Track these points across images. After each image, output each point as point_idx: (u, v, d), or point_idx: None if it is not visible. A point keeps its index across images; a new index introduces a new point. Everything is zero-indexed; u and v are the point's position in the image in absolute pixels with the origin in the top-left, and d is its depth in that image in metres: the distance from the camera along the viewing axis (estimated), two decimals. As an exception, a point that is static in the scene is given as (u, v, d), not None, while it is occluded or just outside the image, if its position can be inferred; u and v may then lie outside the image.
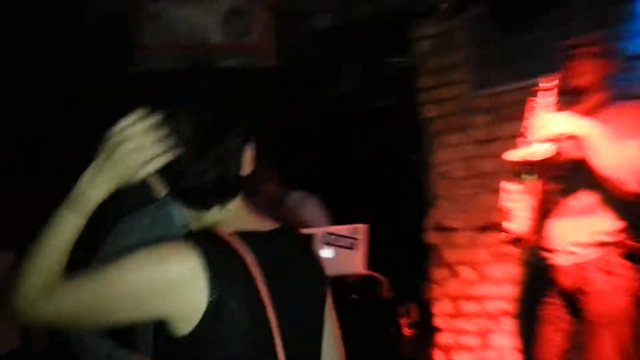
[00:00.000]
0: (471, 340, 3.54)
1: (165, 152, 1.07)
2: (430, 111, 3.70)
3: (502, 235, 2.42)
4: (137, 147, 1.06)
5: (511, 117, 3.26)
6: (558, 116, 2.23)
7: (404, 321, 3.84)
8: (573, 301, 2.35)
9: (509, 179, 2.36)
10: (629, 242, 2.28)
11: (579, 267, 2.31)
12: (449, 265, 3.62)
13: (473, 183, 3.53)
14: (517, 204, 2.33)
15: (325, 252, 2.82)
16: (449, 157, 3.64)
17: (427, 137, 3.73)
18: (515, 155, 2.27)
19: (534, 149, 2.22)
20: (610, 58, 2.39)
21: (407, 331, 3.83)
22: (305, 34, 3.66)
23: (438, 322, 3.64)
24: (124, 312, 1.05)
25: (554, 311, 2.41)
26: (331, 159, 4.56)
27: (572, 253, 2.33)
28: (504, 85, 3.38)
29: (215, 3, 3.25)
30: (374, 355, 3.24)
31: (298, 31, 3.61)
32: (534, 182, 2.31)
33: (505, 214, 2.37)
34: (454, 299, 3.60)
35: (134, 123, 1.07)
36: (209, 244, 1.05)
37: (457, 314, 3.58)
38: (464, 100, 3.57)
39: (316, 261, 1.24)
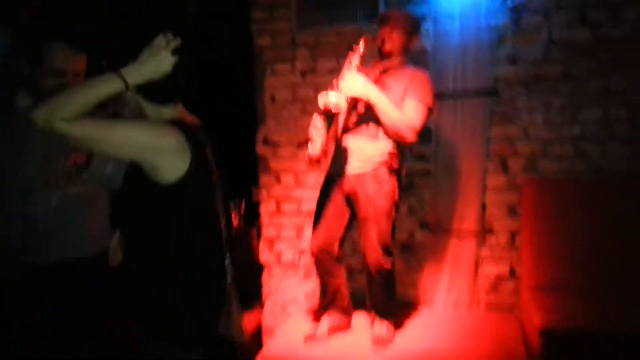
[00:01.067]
0: (289, 233, 4.10)
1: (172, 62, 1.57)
2: (263, 41, 3.98)
3: (305, 156, 2.92)
4: (169, 54, 1.55)
5: (328, 54, 3.81)
6: (359, 79, 2.77)
7: (234, 213, 4.40)
8: (352, 202, 3.00)
9: (318, 114, 2.83)
10: (394, 162, 2.93)
11: (358, 176, 2.94)
12: (274, 173, 4.11)
13: (296, 106, 3.96)
14: (318, 134, 2.85)
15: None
16: (277, 83, 3.99)
17: (260, 63, 4.02)
18: (322, 99, 2.78)
19: (335, 98, 2.74)
20: (412, 33, 2.98)
21: (236, 222, 4.40)
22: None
23: (264, 219, 4.14)
24: (124, 150, 1.54)
25: (338, 208, 3.03)
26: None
27: (356, 166, 2.95)
28: (323, 26, 3.79)
29: None
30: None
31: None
32: (331, 121, 2.85)
33: (309, 140, 2.87)
34: (278, 200, 4.11)
35: (167, 38, 1.55)
36: (186, 128, 1.62)
37: (279, 212, 4.11)
38: (290, 35, 3.90)
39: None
